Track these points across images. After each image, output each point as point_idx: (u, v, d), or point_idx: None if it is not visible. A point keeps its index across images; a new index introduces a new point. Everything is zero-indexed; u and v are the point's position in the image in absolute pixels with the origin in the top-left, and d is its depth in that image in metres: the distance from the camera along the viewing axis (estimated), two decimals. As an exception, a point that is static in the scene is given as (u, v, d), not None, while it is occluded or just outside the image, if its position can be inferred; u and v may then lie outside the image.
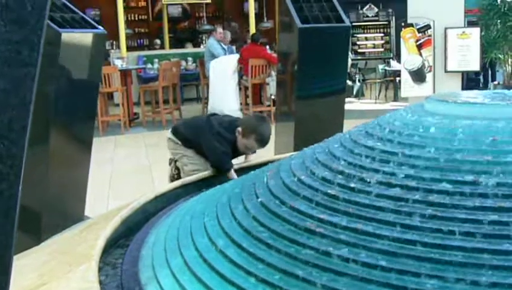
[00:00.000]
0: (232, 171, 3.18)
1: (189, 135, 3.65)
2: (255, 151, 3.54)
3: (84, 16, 3.54)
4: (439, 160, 1.10)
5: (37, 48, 0.55)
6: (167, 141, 3.84)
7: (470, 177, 1.03)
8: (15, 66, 0.55)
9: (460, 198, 1.00)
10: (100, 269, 1.31)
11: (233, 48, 11.77)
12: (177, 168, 3.82)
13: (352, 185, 1.11)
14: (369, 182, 1.10)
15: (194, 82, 11.94)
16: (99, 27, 3.59)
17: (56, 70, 3.12)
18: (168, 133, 3.81)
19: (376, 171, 1.12)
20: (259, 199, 1.25)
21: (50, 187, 3.34)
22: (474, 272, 0.88)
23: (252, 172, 1.64)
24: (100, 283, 1.19)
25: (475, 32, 9.49)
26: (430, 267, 0.91)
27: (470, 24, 10.60)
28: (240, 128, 3.39)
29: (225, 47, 10.75)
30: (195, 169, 3.55)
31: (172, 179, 3.69)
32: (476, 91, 1.51)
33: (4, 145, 0.54)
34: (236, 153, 3.50)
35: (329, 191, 1.13)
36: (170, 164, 3.96)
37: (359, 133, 1.35)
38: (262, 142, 3.40)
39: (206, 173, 2.84)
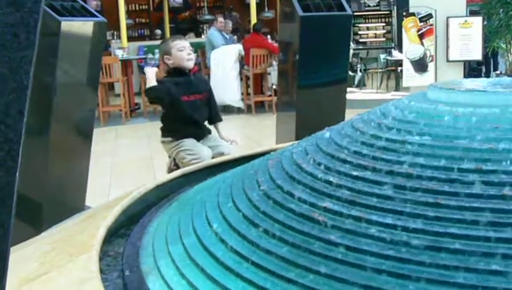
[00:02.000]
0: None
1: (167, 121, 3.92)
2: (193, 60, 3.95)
3: (84, 4, 3.53)
4: (440, 147, 1.09)
5: (34, 31, 0.54)
6: (162, 145, 3.96)
7: (472, 165, 1.03)
8: (12, 49, 0.54)
9: (463, 186, 1.00)
10: (101, 259, 1.30)
11: (235, 37, 11.75)
12: (176, 164, 3.85)
13: (355, 173, 1.10)
14: (373, 170, 1.09)
15: (195, 72, 11.91)
16: (100, 16, 3.58)
17: (56, 59, 3.11)
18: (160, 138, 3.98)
19: (379, 159, 1.11)
20: (261, 187, 1.24)
21: (50, 177, 3.33)
22: (477, 260, 0.88)
23: (254, 161, 1.63)
24: (101, 272, 1.18)
25: (477, 21, 9.47)
26: (433, 256, 0.90)
27: (472, 13, 10.58)
28: (162, 58, 3.87)
29: (227, 36, 10.72)
30: (193, 159, 3.59)
31: (171, 172, 3.72)
32: (478, 79, 1.50)
33: (1, 131, 0.53)
34: (186, 79, 3.76)
35: (331, 179, 1.12)
36: (170, 157, 3.99)
37: (361, 121, 1.34)
38: (175, 38, 3.79)
39: (206, 162, 2.83)
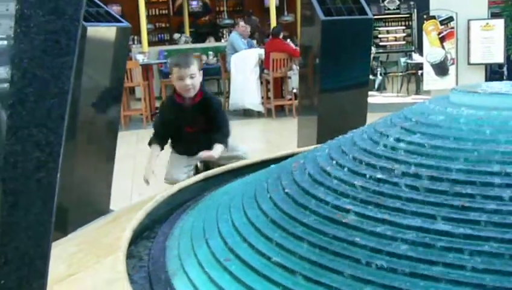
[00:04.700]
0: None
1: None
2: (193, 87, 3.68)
3: (108, 9, 3.57)
4: (465, 151, 1.09)
5: (75, 38, 0.57)
6: None
7: (497, 168, 1.03)
8: (54, 56, 0.56)
9: (489, 189, 1.00)
10: (127, 260, 1.32)
11: (254, 42, 11.78)
12: (197, 171, 3.86)
13: (379, 176, 1.11)
14: (396, 174, 1.10)
15: (215, 76, 11.93)
16: (124, 21, 3.62)
17: (81, 64, 3.14)
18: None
19: (403, 162, 1.12)
20: (285, 190, 1.25)
21: (76, 181, 3.37)
22: (503, 262, 0.88)
23: (277, 164, 1.65)
24: (128, 273, 1.20)
25: (499, 24, 9.35)
26: (455, 258, 0.90)
27: (494, 16, 10.46)
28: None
29: (245, 41, 10.76)
30: (165, 178, 3.79)
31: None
32: (500, 82, 1.50)
33: (43, 133, 0.56)
34: (186, 112, 3.67)
35: (355, 182, 1.13)
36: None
37: (385, 124, 1.35)
38: (177, 64, 3.64)
39: (228, 166, 2.84)
